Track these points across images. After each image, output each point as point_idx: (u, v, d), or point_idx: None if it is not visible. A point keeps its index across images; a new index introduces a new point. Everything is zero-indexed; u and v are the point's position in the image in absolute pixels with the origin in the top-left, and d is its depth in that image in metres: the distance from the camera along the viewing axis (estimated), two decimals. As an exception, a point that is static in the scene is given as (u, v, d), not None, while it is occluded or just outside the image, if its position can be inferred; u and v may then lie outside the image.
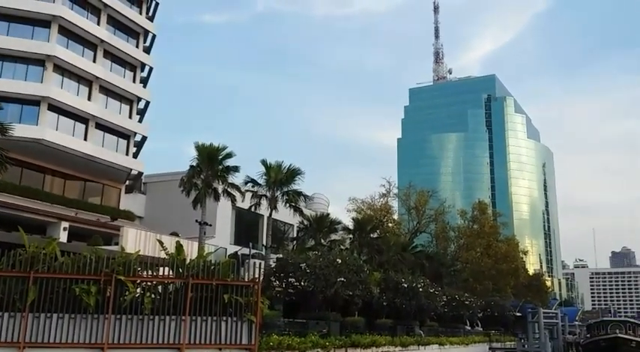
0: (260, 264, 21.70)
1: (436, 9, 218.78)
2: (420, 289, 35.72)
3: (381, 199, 62.04)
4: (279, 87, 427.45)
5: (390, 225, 60.10)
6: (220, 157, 31.88)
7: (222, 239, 37.63)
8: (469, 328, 49.35)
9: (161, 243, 17.51)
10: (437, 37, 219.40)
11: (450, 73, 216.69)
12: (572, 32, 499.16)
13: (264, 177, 33.45)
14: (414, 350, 32.76)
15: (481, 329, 52.19)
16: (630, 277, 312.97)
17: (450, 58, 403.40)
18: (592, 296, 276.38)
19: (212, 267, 15.63)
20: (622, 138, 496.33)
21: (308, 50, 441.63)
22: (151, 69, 44.68)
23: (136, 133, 41.99)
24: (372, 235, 43.59)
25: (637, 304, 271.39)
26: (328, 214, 42.21)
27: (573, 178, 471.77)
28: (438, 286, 41.56)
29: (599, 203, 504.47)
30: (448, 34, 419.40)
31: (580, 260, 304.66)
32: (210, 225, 33.06)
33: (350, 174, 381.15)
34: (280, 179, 33.30)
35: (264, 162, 33.50)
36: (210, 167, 31.67)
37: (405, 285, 34.70)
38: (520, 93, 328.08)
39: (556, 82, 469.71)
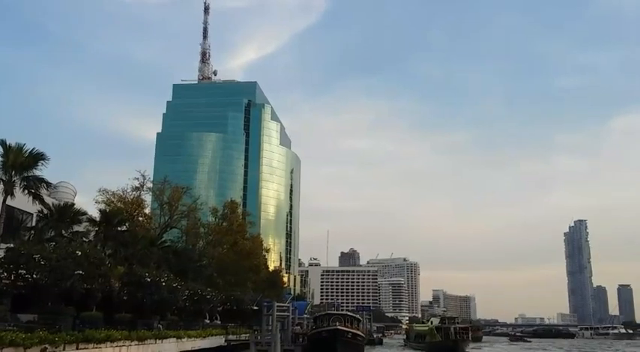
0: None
1: (206, 9, 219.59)
2: (164, 283, 36.21)
3: (134, 192, 60.43)
4: (34, 65, 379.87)
5: (140, 219, 58.85)
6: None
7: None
8: (208, 321, 51.20)
9: None
10: (205, 37, 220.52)
11: (215, 75, 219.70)
12: (323, 55, 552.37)
13: (1, 159, 30.28)
14: (152, 344, 33.02)
15: (220, 322, 54.50)
16: (355, 275, 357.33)
17: (216, 59, 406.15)
18: (322, 292, 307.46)
19: None
20: (355, 154, 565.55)
21: (70, 30, 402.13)
22: None
23: None
24: (119, 228, 42.42)
25: (358, 299, 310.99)
26: (73, 204, 39.84)
27: (315, 185, 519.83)
28: (182, 281, 42.39)
29: (333, 209, 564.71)
30: (217, 36, 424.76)
31: (314, 259, 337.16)
32: None
33: (106, 166, 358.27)
34: (21, 163, 30.48)
35: (2, 143, 30.31)
36: None
37: (149, 279, 34.84)
38: (276, 102, 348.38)
39: (307, 96, 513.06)
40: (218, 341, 46.98)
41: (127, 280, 33.82)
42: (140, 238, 45.54)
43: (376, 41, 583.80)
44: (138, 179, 61.34)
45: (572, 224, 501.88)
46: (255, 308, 62.97)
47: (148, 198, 65.57)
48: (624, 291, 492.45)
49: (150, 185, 64.73)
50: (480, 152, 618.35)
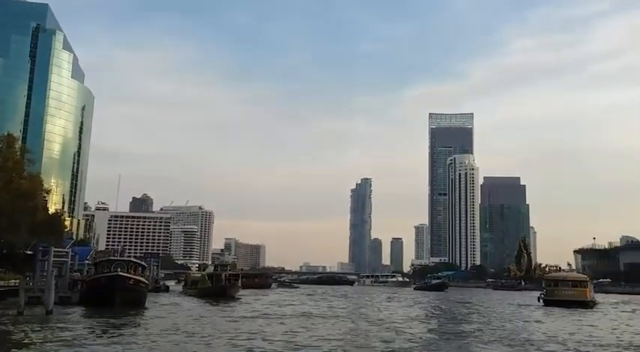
0: None
1: None
2: None
3: None
4: None
5: None
6: None
7: None
8: (-30, 266, 47.10)
9: None
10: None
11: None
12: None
13: None
14: None
15: (-15, 267, 50.46)
16: (146, 221, 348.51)
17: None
18: (108, 238, 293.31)
19: None
20: (157, 96, 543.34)
21: None
22: None
23: None
24: None
25: (148, 245, 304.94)
26: None
27: (110, 125, 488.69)
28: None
29: (129, 151, 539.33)
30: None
31: (102, 203, 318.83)
32: None
33: None
34: None
35: None
36: None
37: None
38: (70, 30, 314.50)
39: (107, 28, 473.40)
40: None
41: None
42: None
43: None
44: None
45: (359, 181, 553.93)
46: (30, 253, 59.36)
47: None
48: (396, 244, 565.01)
49: None
50: (286, 107, 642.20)
